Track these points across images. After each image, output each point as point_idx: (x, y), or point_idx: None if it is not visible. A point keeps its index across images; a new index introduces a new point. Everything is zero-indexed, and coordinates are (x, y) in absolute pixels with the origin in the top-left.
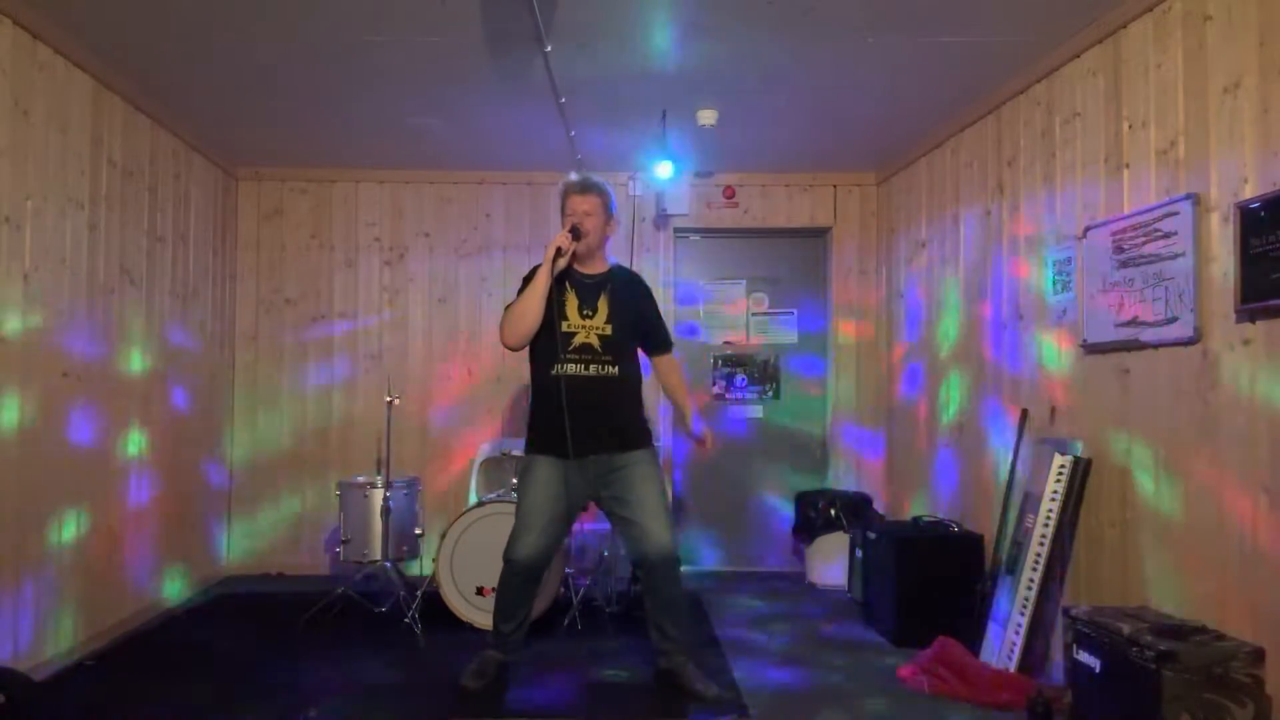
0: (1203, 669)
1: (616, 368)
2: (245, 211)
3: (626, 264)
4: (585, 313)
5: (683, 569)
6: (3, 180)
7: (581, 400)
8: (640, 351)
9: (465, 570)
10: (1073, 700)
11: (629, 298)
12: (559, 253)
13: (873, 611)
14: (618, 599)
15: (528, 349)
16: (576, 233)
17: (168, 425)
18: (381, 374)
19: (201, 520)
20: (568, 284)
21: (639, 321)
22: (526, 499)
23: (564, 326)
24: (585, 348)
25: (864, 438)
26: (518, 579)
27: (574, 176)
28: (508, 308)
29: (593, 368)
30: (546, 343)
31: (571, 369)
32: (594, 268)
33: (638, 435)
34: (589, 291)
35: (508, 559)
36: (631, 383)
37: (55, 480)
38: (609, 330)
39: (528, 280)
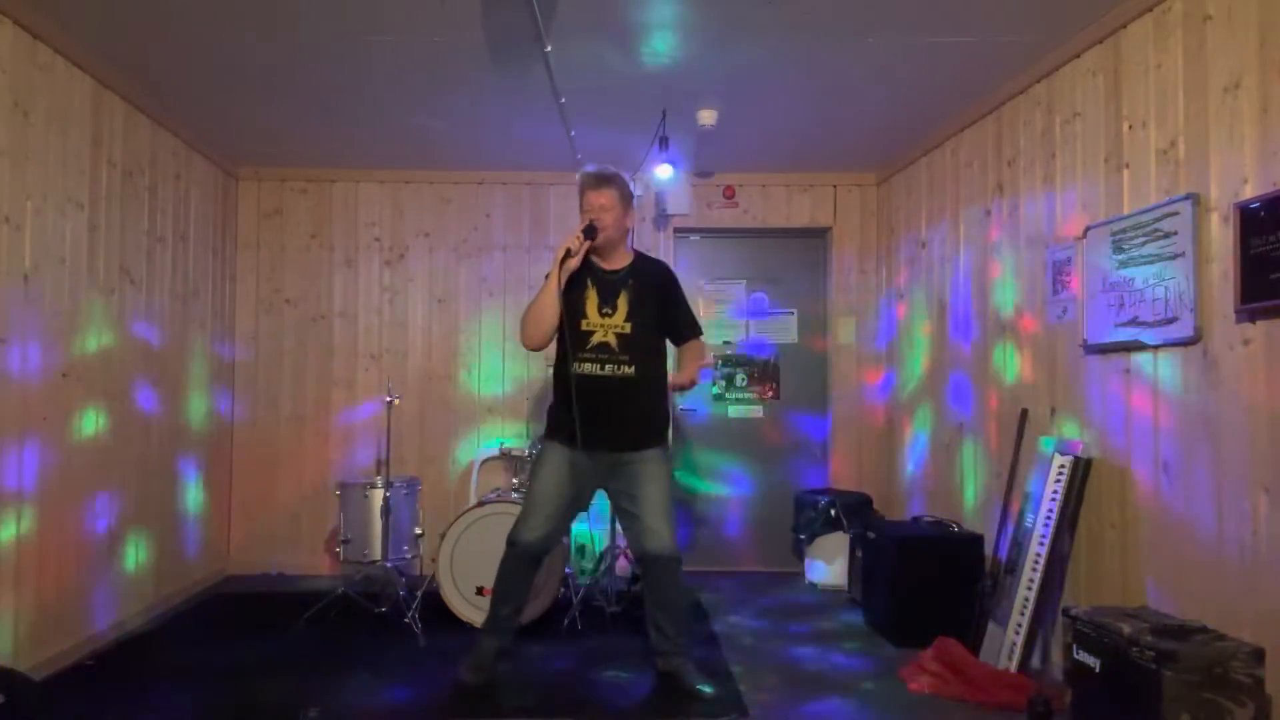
0: (1203, 669)
1: (633, 367)
2: (245, 211)
3: None
4: (605, 311)
5: (683, 569)
6: (3, 180)
7: (595, 400)
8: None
9: (465, 570)
10: (1073, 700)
11: (651, 291)
12: (569, 254)
13: (873, 611)
14: (618, 599)
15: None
16: (591, 231)
17: (167, 425)
18: (381, 374)
19: (201, 519)
20: (589, 280)
21: (661, 315)
22: (536, 483)
23: (583, 325)
24: (602, 347)
25: (864, 438)
26: (520, 561)
27: (590, 169)
28: (527, 309)
29: (608, 367)
30: (567, 338)
31: (587, 368)
32: (615, 262)
33: (651, 434)
34: (610, 289)
35: (512, 540)
36: (649, 381)
37: (53, 480)
38: (628, 329)
39: (549, 278)
